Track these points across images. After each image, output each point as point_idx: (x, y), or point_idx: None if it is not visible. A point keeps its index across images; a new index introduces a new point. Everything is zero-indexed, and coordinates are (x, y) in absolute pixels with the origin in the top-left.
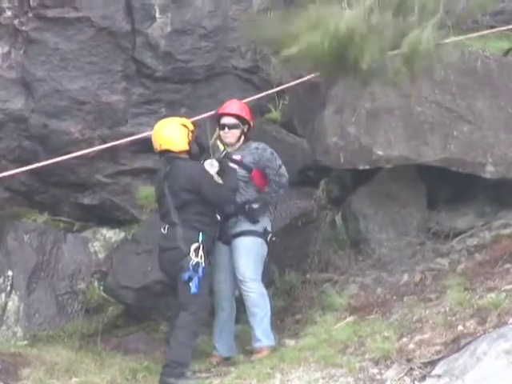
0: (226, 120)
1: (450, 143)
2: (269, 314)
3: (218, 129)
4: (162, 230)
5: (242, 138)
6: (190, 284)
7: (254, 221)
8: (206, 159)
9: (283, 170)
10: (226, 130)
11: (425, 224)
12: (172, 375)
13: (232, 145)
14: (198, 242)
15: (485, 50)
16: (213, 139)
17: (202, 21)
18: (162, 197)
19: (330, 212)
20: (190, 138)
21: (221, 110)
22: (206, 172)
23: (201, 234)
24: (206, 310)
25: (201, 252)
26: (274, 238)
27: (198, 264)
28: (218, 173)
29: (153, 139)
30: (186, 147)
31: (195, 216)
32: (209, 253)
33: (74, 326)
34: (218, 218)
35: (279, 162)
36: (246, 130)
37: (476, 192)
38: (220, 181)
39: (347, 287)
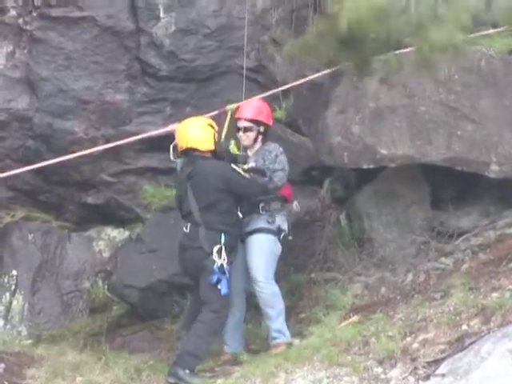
0: (241, 123)
1: (454, 142)
2: (283, 312)
3: (225, 127)
4: (184, 228)
5: (260, 138)
6: (219, 286)
7: (269, 219)
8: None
9: (278, 176)
10: (241, 133)
11: (429, 223)
12: (183, 366)
13: (249, 147)
14: (219, 243)
15: (489, 48)
16: (222, 137)
17: (207, 20)
18: (183, 197)
19: (334, 211)
20: (216, 139)
21: (237, 114)
22: (235, 169)
23: (223, 235)
24: (227, 308)
25: (223, 254)
26: (290, 237)
27: (222, 266)
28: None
29: (178, 137)
30: (212, 147)
31: (219, 217)
32: (232, 251)
33: (79, 325)
34: (240, 215)
35: (278, 166)
36: (262, 130)
37: (480, 191)
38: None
39: (351, 286)
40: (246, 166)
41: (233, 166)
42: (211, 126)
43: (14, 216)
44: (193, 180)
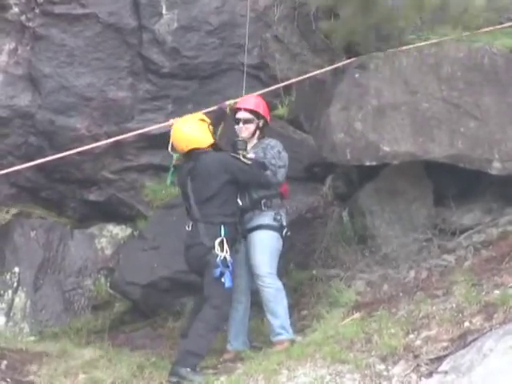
0: (240, 114)
1: (456, 139)
2: (286, 308)
3: (223, 122)
4: (187, 227)
5: (258, 133)
6: (223, 279)
7: (276, 216)
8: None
9: (281, 172)
10: (241, 124)
11: (431, 220)
12: (184, 365)
13: (247, 140)
14: (220, 236)
15: (492, 46)
16: (218, 132)
17: (209, 17)
18: (185, 193)
19: (336, 208)
20: (212, 131)
21: (237, 105)
22: (234, 156)
23: (222, 227)
24: (229, 304)
25: (225, 246)
26: (289, 233)
27: (225, 259)
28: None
29: (175, 142)
30: (212, 140)
31: (216, 209)
32: (234, 242)
33: (81, 322)
34: (240, 203)
35: (281, 163)
36: (261, 124)
37: (483, 188)
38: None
39: (354, 283)
40: (246, 153)
41: (232, 154)
42: (203, 121)
43: (16, 213)
44: (192, 175)
